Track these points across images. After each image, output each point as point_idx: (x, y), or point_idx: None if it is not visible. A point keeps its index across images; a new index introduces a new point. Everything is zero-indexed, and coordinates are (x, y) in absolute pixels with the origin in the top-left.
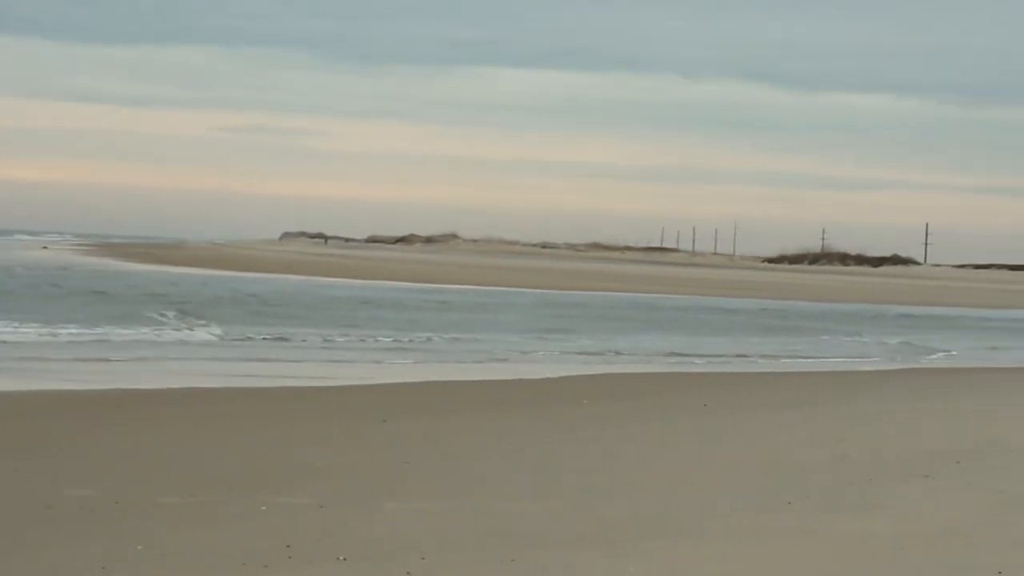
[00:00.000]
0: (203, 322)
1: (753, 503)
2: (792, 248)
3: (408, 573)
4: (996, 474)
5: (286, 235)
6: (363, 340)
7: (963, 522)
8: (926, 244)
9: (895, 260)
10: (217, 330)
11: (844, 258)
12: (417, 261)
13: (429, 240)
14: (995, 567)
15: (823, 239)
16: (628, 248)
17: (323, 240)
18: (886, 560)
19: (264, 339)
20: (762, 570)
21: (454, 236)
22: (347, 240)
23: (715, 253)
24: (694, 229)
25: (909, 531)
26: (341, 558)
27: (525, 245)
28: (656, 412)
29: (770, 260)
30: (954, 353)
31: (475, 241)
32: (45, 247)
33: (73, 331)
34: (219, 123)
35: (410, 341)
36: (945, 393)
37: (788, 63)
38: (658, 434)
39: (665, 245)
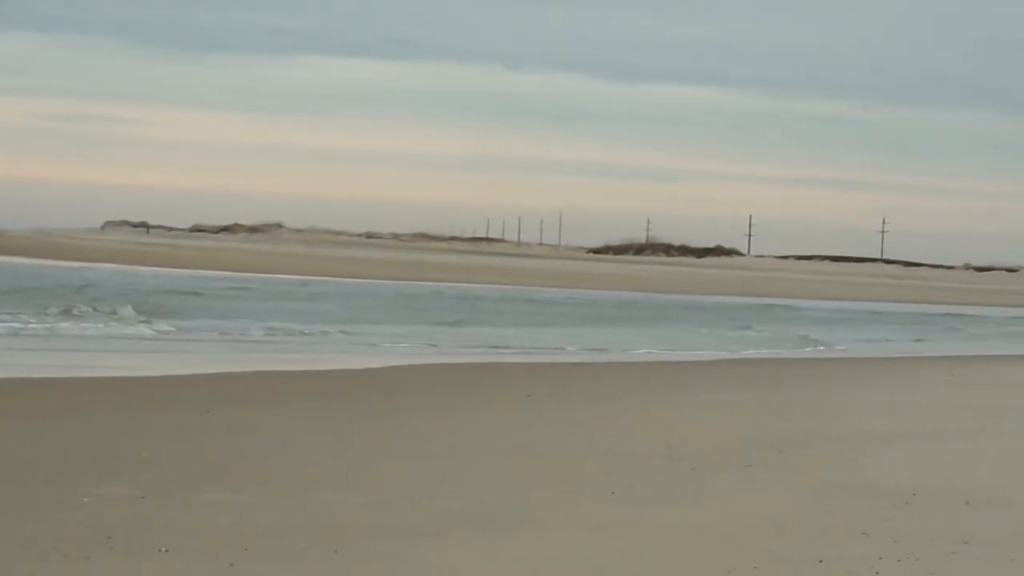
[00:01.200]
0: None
1: (577, 494)
2: (617, 239)
3: (231, 564)
4: (817, 464)
5: (108, 224)
6: (184, 331)
7: (785, 512)
8: (749, 235)
9: (719, 251)
10: (31, 320)
11: (668, 249)
12: (241, 250)
13: (253, 229)
14: (816, 556)
15: (648, 230)
16: (454, 238)
17: (145, 229)
18: (709, 550)
19: (77, 327)
20: (585, 561)
21: (279, 226)
22: (170, 229)
23: (541, 244)
24: (520, 220)
25: (731, 521)
26: (163, 549)
27: (351, 235)
28: (480, 402)
29: (595, 251)
30: (768, 342)
31: (300, 231)
32: None
33: None
34: (38, 111)
35: (235, 331)
36: (768, 383)
37: (611, 55)
38: (483, 424)
39: (491, 236)
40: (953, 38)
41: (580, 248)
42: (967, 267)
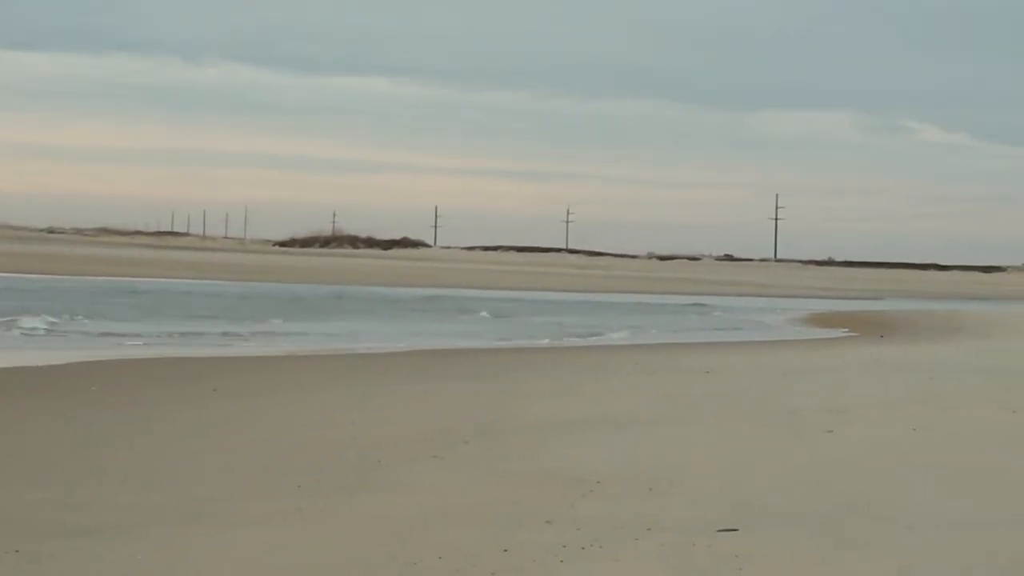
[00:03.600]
0: None
1: (264, 487)
2: (303, 231)
3: None
4: (502, 453)
5: None
6: None
7: (470, 501)
8: (435, 226)
9: (405, 243)
10: None
11: (355, 241)
12: None
13: None
14: (501, 545)
15: (334, 222)
16: (138, 232)
17: None
18: (395, 541)
19: None
20: (270, 553)
21: None
22: None
23: (226, 237)
24: (204, 213)
25: (417, 511)
26: None
27: (32, 230)
28: (166, 397)
29: (281, 244)
30: (454, 332)
31: None
32: None
33: None
34: None
35: None
36: (455, 374)
37: (290, 46)
38: (168, 420)
39: (176, 229)
40: (633, 28)
41: (266, 241)
42: (650, 256)
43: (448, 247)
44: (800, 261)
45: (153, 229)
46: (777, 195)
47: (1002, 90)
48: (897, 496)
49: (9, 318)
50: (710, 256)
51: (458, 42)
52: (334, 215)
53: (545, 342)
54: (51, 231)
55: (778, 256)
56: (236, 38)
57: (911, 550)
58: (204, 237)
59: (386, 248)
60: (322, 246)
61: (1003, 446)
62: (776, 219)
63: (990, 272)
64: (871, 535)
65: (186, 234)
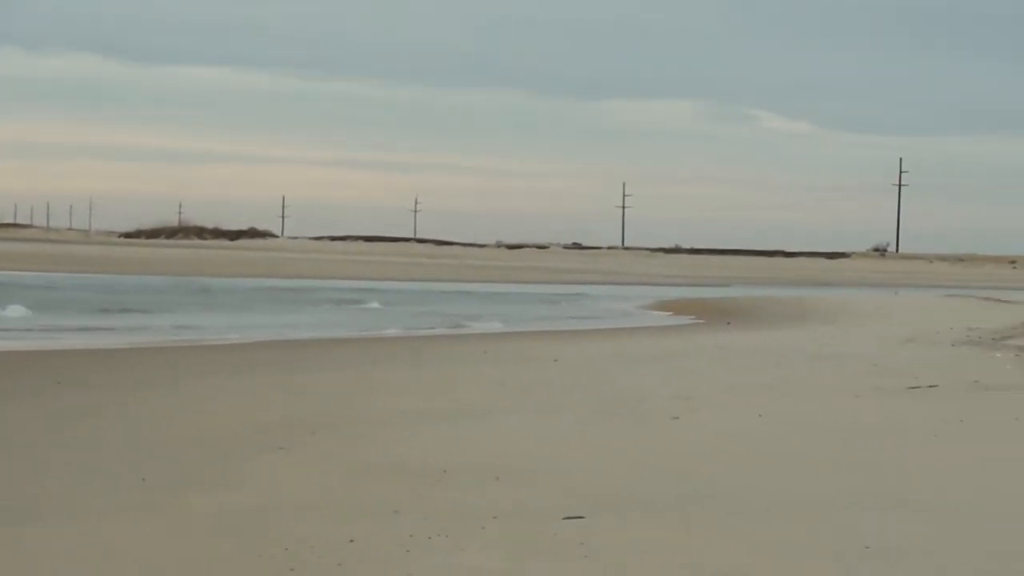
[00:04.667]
0: None
1: (107, 481)
2: (150, 223)
3: None
4: (349, 444)
5: None
6: None
7: (317, 493)
8: (283, 217)
9: (252, 233)
10: None
11: (201, 232)
12: None
13: None
14: (347, 536)
15: (180, 213)
16: None
17: None
18: (241, 534)
19: None
20: (112, 548)
21: None
22: None
23: (71, 229)
24: (48, 205)
25: (265, 504)
26: None
27: None
28: (4, 389)
29: (127, 235)
30: (303, 323)
31: None
32: None
33: None
34: None
35: None
36: (302, 365)
37: (136, 36)
38: (5, 412)
39: (19, 221)
40: (480, 18)
41: (112, 233)
42: (499, 245)
43: (295, 237)
44: (648, 249)
45: None
46: (624, 183)
47: (844, 80)
48: (743, 482)
49: None
50: (558, 245)
51: (305, 32)
52: (180, 206)
53: (392, 332)
54: None
55: (626, 244)
56: (80, 28)
57: (755, 534)
58: (48, 229)
59: (233, 239)
60: (168, 237)
61: (847, 431)
62: (623, 207)
63: (835, 258)
64: (717, 520)
65: (29, 226)
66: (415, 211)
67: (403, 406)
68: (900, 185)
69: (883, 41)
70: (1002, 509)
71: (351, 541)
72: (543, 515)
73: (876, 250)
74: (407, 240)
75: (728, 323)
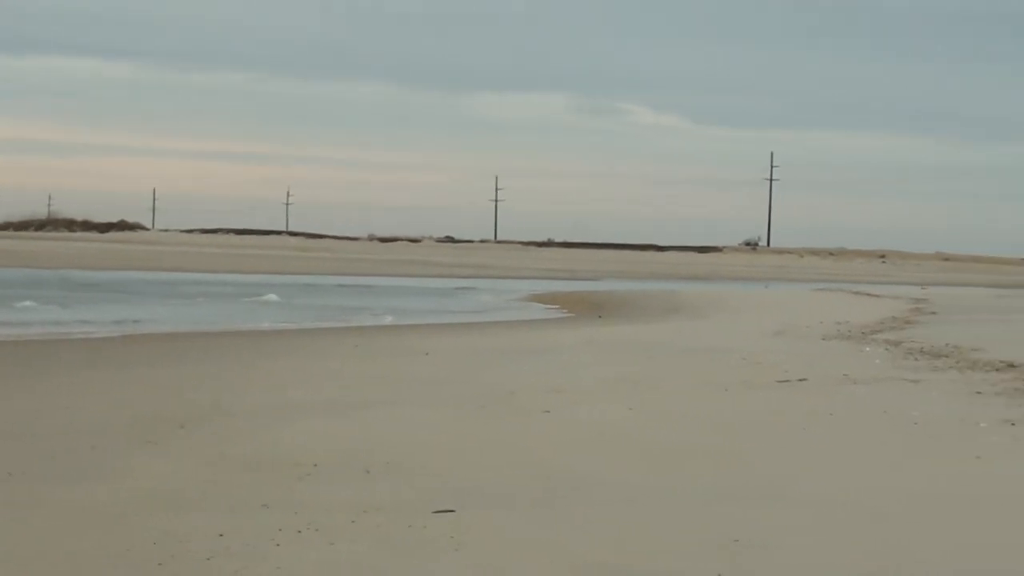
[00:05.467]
0: None
1: None
2: (17, 216)
3: None
4: (219, 438)
5: None
6: None
7: (186, 487)
8: (154, 210)
9: (123, 226)
10: None
11: (71, 224)
12: None
13: None
14: (216, 530)
15: (49, 206)
16: None
17: None
18: (108, 528)
19: None
20: None
21: None
22: None
23: None
24: None
25: (132, 498)
26: None
27: None
28: None
29: None
30: (176, 317)
31: None
32: None
33: None
34: None
35: None
36: (172, 359)
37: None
38: None
39: None
40: (351, 10)
41: None
42: (371, 238)
43: (166, 230)
44: (521, 243)
45: None
46: (497, 177)
47: (715, 74)
48: (612, 474)
49: None
50: (431, 238)
51: (178, 23)
52: (49, 199)
53: (265, 325)
54: None
55: (499, 238)
56: None
57: (625, 526)
58: None
59: (103, 231)
60: (37, 230)
61: (716, 424)
62: (496, 201)
63: (706, 252)
64: (587, 513)
65: None
66: (287, 204)
67: (274, 400)
68: (771, 179)
69: (754, 35)
70: (869, 502)
71: (220, 535)
72: (413, 508)
73: (747, 244)
74: (279, 233)
75: (600, 317)
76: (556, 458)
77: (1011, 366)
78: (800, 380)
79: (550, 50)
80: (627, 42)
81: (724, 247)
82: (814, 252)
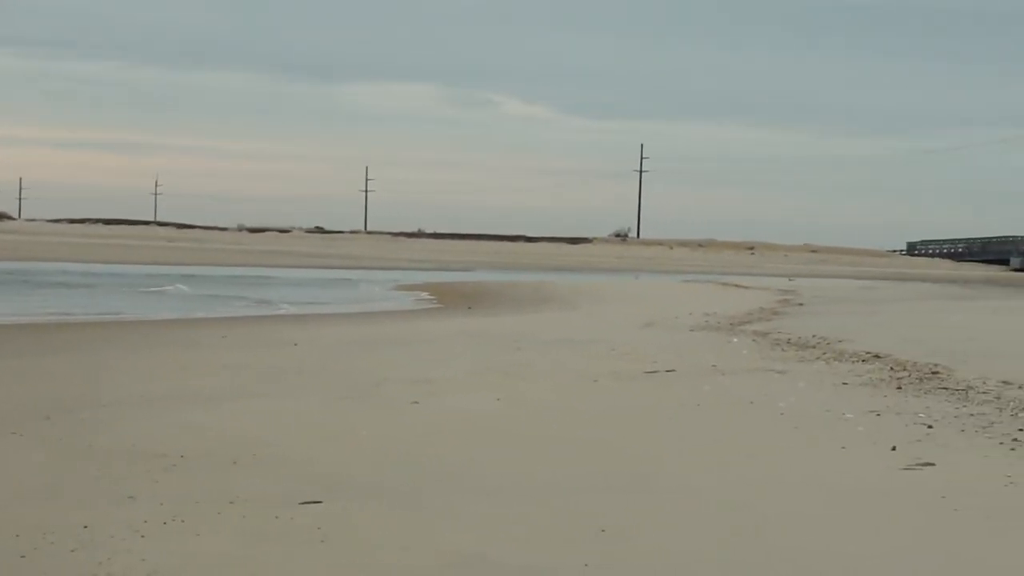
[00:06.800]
0: None
1: None
2: None
3: None
4: (85, 429)
5: None
6: None
7: (50, 479)
8: (20, 199)
9: None
10: None
11: None
12: None
13: None
14: (81, 522)
15: None
16: None
17: None
18: None
19: None
20: None
21: None
22: None
23: None
24: None
25: None
26: None
27: None
28: None
29: None
30: (45, 307)
31: None
32: None
33: None
34: None
35: None
36: (35, 348)
37: None
38: None
39: None
40: None
41: None
42: (241, 228)
43: (33, 220)
44: (391, 233)
45: None
46: (367, 167)
47: (585, 65)
48: (480, 465)
49: None
50: (300, 229)
51: (46, 10)
52: None
53: (130, 316)
54: None
55: (369, 229)
56: None
57: (492, 517)
58: None
59: None
60: None
61: (584, 414)
62: (366, 191)
63: (577, 244)
64: (454, 504)
65: None
66: (155, 194)
67: (140, 391)
68: (641, 171)
69: (625, 27)
70: (736, 492)
71: (85, 527)
72: (280, 500)
73: (617, 235)
74: (148, 223)
75: (469, 308)
76: (424, 449)
77: (876, 357)
78: (668, 371)
79: (421, 41)
80: (498, 33)
81: (595, 238)
82: (684, 244)
